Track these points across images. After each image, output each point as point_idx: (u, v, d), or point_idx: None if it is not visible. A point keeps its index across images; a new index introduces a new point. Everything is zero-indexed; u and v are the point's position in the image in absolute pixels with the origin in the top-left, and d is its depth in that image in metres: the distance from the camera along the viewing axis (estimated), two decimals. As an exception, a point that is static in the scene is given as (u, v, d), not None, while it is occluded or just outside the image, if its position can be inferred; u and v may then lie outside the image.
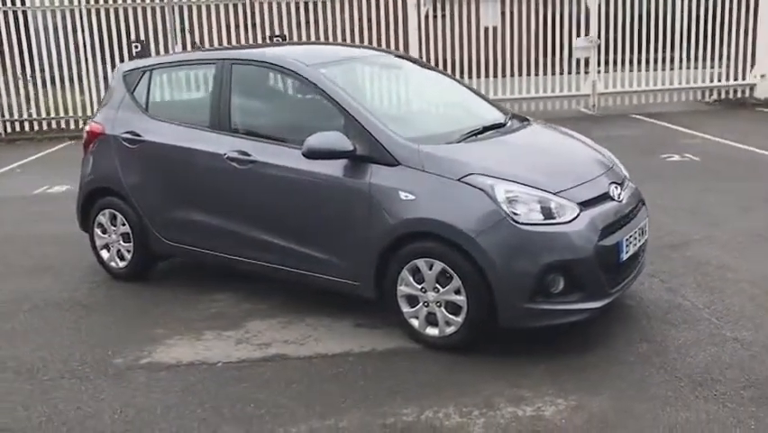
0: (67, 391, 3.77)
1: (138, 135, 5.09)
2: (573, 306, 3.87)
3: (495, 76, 13.27)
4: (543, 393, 3.57)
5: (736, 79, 13.63)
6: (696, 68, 13.56)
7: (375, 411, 3.46)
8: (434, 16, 13.05)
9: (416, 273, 4.03)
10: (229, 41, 12.96)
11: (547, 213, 3.83)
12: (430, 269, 3.96)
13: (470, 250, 3.80)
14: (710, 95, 13.79)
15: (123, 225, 5.25)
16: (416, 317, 4.10)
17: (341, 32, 13.07)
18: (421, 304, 4.05)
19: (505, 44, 13.26)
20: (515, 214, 3.78)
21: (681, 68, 13.53)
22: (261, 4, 13.00)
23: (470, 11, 13.12)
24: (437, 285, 3.96)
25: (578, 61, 13.37)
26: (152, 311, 4.82)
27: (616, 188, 4.24)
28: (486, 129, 4.56)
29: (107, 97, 5.49)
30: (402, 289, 4.09)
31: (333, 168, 4.22)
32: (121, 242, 5.30)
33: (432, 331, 4.06)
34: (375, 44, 12.86)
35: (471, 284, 3.84)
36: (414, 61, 5.72)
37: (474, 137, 4.42)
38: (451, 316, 3.97)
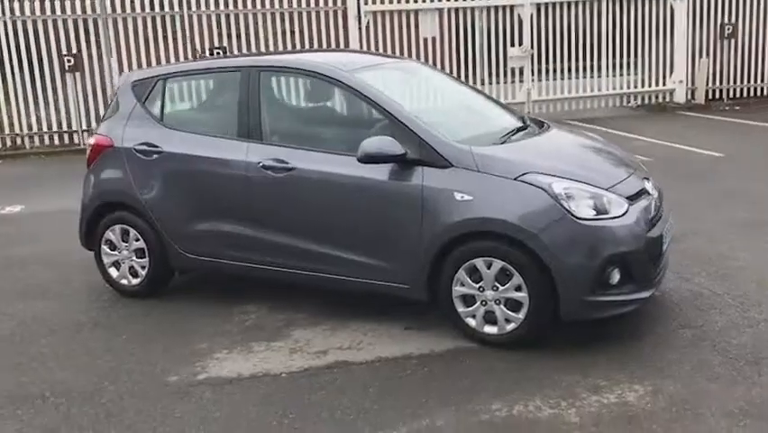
0: (136, 413, 3.61)
1: (155, 146, 4.92)
2: (627, 297, 4.04)
3: (435, 85, 13.49)
4: (617, 381, 3.71)
5: (657, 85, 14.45)
6: (621, 75, 14.29)
7: (465, 409, 3.50)
8: (375, 28, 13.17)
9: (473, 273, 4.09)
10: (167, 54, 12.62)
11: (600, 208, 3.99)
12: (489, 268, 4.04)
13: (532, 247, 3.91)
14: (635, 100, 14.55)
15: (137, 240, 5.05)
16: (473, 317, 4.16)
17: (281, 43, 12.99)
18: (478, 303, 4.12)
19: (444, 55, 13.55)
20: (572, 210, 3.92)
21: (607, 75, 14.22)
22: (200, 17, 12.73)
23: (409, 22, 13.32)
24: (496, 283, 4.04)
25: (513, 70, 13.81)
26: (184, 327, 4.66)
27: (648, 182, 4.47)
28: (518, 130, 4.70)
29: (112, 109, 5.27)
30: (458, 289, 4.15)
31: (381, 172, 4.24)
32: (134, 258, 5.09)
33: (490, 329, 4.14)
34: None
35: (533, 280, 3.95)
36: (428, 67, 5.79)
37: (510, 139, 4.54)
38: (511, 313, 4.05)
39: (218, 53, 12.51)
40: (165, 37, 12.65)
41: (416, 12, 13.33)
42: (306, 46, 13.01)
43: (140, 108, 5.07)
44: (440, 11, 13.37)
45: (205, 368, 4.07)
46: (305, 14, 13.04)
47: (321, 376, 3.92)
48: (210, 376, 3.97)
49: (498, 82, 13.86)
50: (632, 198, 4.16)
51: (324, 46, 13.02)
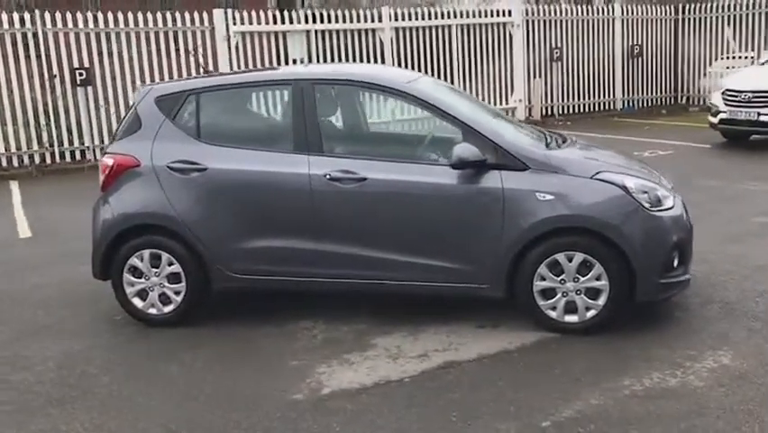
0: (294, 433, 3.47)
1: (194, 163, 4.66)
2: (681, 277, 4.59)
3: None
4: (702, 351, 4.20)
5: (501, 104, 15.71)
6: (471, 94, 15.35)
7: (602, 387, 3.80)
8: (245, 48, 13.01)
9: (554, 267, 4.41)
10: (18, 76, 11.51)
11: (657, 201, 4.50)
12: (570, 261, 4.38)
13: (614, 238, 4.32)
14: (483, 118, 15.68)
15: (171, 264, 4.72)
16: (553, 308, 4.47)
17: (147, 63, 12.37)
18: (559, 295, 4.44)
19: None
20: (643, 203, 4.39)
21: (460, 95, 15.20)
22: (57, 34, 11.76)
23: (278, 43, 13.32)
24: (577, 275, 4.39)
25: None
26: (250, 348, 4.47)
27: (669, 181, 5.08)
28: (547, 139, 5.09)
29: (131, 126, 4.85)
30: (539, 283, 4.43)
31: (456, 177, 4.43)
32: (166, 284, 4.75)
33: (571, 318, 4.47)
34: (185, 74, 12.38)
35: (614, 269, 4.35)
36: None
37: (553, 146, 4.90)
38: (590, 301, 4.42)
39: (80, 74, 11.68)
40: (16, 57, 11.54)
41: (285, 33, 13.39)
42: (174, 63, 12.51)
43: (169, 124, 4.76)
44: (308, 33, 13.54)
45: (321, 383, 3.97)
46: (171, 34, 12.57)
47: (442, 377, 4.00)
48: (334, 390, 3.89)
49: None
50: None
51: (192, 65, 12.63)
